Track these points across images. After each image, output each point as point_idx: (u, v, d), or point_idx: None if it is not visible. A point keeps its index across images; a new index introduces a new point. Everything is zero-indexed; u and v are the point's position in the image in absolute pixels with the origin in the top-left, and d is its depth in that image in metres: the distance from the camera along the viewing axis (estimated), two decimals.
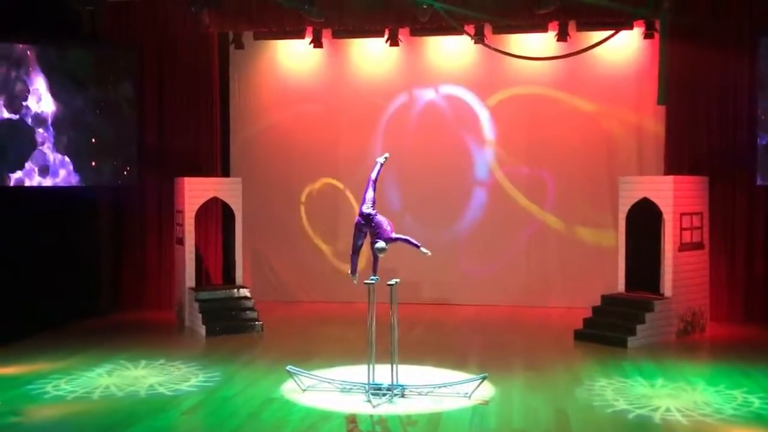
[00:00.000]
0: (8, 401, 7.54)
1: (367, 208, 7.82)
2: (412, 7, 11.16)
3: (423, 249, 7.72)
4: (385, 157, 8.22)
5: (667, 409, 7.41)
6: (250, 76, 13.53)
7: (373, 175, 8.00)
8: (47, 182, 11.42)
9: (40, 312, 11.04)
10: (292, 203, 13.47)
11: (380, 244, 7.72)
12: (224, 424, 7.09)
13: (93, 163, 11.87)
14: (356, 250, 7.98)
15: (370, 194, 7.88)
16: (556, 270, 12.81)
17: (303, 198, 13.48)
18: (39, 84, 11.32)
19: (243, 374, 8.78)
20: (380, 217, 7.82)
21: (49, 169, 11.41)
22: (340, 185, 13.35)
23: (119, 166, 12.11)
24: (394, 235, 7.75)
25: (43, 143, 11.39)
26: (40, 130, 11.35)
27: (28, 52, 11.19)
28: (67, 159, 11.59)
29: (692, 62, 11.59)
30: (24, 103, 11.22)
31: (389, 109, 13.18)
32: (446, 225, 13.03)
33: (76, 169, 11.70)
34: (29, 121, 11.27)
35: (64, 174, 11.57)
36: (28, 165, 11.25)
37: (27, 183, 11.26)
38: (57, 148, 11.52)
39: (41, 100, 11.36)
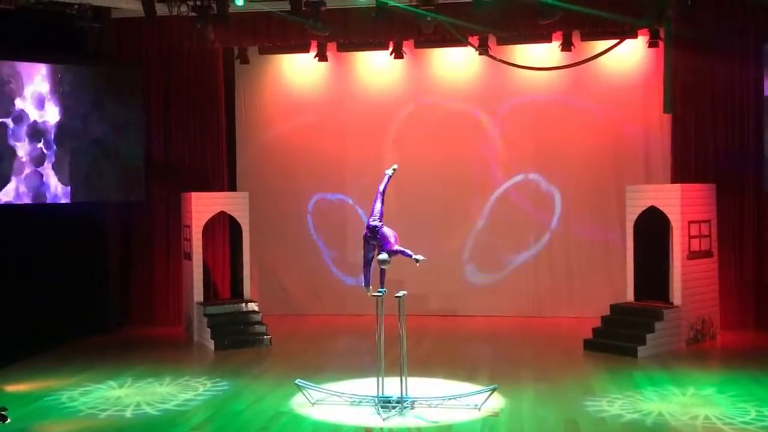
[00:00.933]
0: (18, 418, 7.53)
1: (373, 221, 7.84)
2: (416, 19, 11.20)
3: (415, 256, 7.68)
4: (394, 169, 8.22)
5: (679, 419, 7.37)
6: (256, 90, 13.58)
7: (381, 187, 8.01)
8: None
9: (49, 329, 11.04)
10: (299, 216, 13.48)
11: (382, 256, 7.75)
12: None
13: (99, 180, 11.89)
14: (367, 263, 7.97)
15: (377, 207, 7.89)
16: (565, 280, 12.78)
17: (310, 211, 13.49)
18: (40, 86, 11.31)
19: (252, 388, 8.77)
20: (386, 230, 7.82)
21: (46, 198, 11.37)
22: (348, 198, 13.36)
23: (126, 182, 12.13)
24: (395, 248, 7.74)
25: (42, 163, 11.35)
26: (39, 145, 11.33)
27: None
28: (68, 188, 11.57)
29: (697, 70, 11.58)
30: (15, 103, 11.12)
31: (395, 121, 13.19)
32: (453, 235, 13.02)
33: (82, 187, 11.71)
34: (22, 129, 11.19)
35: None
36: (21, 188, 11.17)
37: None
38: (59, 168, 11.50)
39: (44, 109, 11.35)
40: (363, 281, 8.04)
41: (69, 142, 11.63)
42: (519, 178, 12.92)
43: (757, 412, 7.52)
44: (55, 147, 11.49)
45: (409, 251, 7.73)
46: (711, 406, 7.78)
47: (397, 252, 7.74)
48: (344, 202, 13.38)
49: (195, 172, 12.74)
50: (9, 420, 7.19)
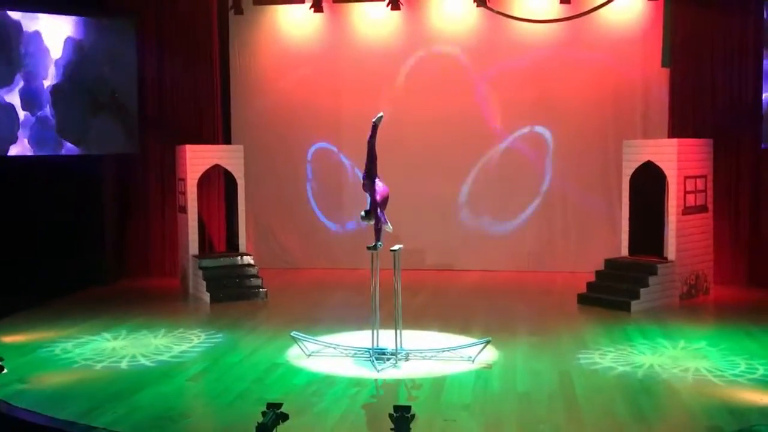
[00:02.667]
0: (15, 369, 7.58)
1: (365, 175, 7.85)
2: None
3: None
4: (379, 117, 7.93)
5: (671, 372, 7.44)
6: (251, 42, 13.42)
7: (368, 138, 7.88)
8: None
9: (46, 280, 11.07)
10: (294, 170, 13.43)
11: (362, 212, 7.81)
12: (229, 390, 7.14)
13: (94, 132, 11.81)
14: (374, 209, 7.92)
15: (368, 159, 7.85)
16: (560, 234, 12.80)
17: (305, 164, 13.43)
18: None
19: (248, 340, 8.83)
20: (378, 184, 7.82)
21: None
22: (343, 151, 13.29)
23: (121, 135, 12.03)
24: (376, 207, 7.74)
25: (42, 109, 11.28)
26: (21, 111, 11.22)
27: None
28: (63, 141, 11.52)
29: (697, 24, 11.47)
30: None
31: (391, 73, 13.07)
32: (450, 190, 13.01)
33: (76, 139, 11.64)
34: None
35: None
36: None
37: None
38: (54, 120, 11.42)
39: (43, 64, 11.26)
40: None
41: (62, 94, 11.50)
42: (516, 132, 12.85)
43: (748, 365, 7.60)
44: (48, 99, 11.35)
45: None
46: (703, 359, 7.85)
47: (373, 209, 7.72)
48: (339, 155, 13.32)
49: (189, 125, 12.64)
50: (6, 370, 7.23)
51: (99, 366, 7.89)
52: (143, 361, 8.05)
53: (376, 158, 7.87)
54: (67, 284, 11.43)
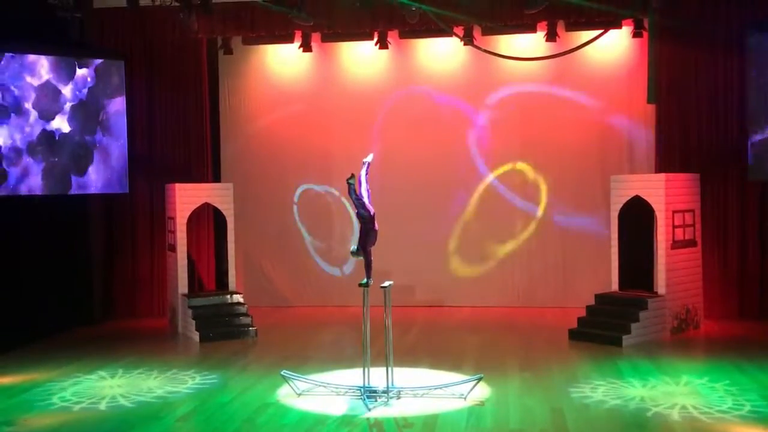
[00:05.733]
0: (2, 411, 7.48)
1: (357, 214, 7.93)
2: (400, 9, 11.17)
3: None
4: (367, 163, 8.06)
5: (663, 407, 7.41)
6: (240, 81, 13.51)
7: (363, 178, 7.96)
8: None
9: (33, 322, 10.97)
10: (284, 208, 13.43)
11: (351, 249, 7.88)
12: (220, 430, 7.06)
13: (83, 171, 11.81)
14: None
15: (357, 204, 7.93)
16: (550, 270, 12.81)
17: (295, 202, 13.45)
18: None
19: (238, 380, 8.75)
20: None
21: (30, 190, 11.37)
22: (333, 189, 13.32)
23: (110, 173, 12.04)
24: (365, 243, 7.82)
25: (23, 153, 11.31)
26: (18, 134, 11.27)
27: None
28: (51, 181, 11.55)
29: (681, 60, 11.62)
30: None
31: (380, 111, 13.16)
32: (439, 226, 13.02)
33: (65, 179, 11.65)
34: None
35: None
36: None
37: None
38: (42, 159, 11.44)
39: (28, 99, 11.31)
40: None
41: (52, 133, 11.53)
42: (504, 168, 12.93)
43: (739, 400, 7.57)
44: (37, 138, 11.38)
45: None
46: (695, 393, 7.83)
47: (362, 246, 7.75)
48: (329, 192, 13.35)
49: (179, 164, 12.66)
50: None
51: (87, 407, 7.79)
52: (131, 401, 7.95)
53: (361, 199, 7.88)
54: (54, 325, 11.33)
